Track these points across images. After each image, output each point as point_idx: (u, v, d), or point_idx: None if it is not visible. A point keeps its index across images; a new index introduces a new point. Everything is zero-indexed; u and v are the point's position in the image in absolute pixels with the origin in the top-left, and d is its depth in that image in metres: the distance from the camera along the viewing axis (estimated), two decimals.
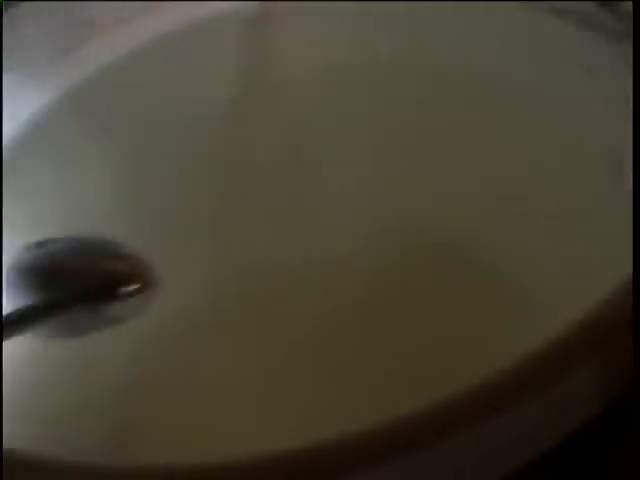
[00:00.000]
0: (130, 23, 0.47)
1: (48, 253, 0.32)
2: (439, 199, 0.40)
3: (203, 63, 0.47)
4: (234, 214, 0.43)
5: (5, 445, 0.24)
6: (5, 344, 0.28)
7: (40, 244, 0.33)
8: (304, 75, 0.46)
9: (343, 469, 0.20)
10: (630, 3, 0.33)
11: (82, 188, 0.44)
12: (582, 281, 0.29)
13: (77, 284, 0.29)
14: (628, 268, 0.23)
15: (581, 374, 0.21)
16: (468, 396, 0.20)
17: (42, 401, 0.35)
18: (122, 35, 0.46)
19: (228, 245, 0.42)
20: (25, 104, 0.45)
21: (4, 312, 0.32)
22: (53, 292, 0.30)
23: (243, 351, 0.37)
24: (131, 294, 0.28)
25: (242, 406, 0.35)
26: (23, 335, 0.29)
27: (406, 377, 0.34)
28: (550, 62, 0.37)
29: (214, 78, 0.47)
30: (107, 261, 0.29)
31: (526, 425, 0.21)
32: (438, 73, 0.41)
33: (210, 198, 0.43)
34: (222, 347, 0.37)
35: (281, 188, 0.43)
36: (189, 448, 0.33)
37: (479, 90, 0.39)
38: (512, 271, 0.35)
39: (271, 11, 0.48)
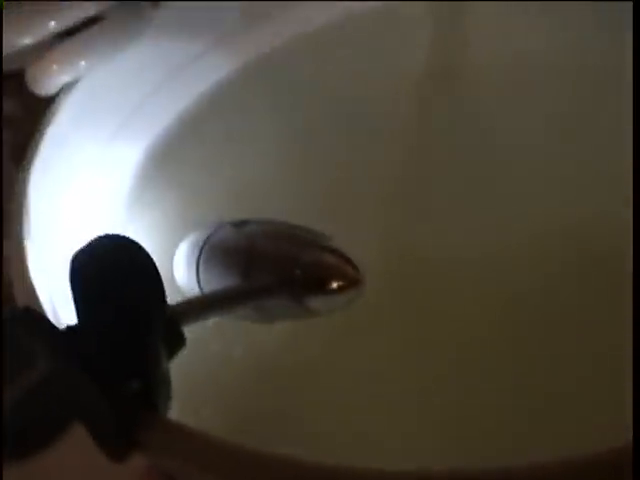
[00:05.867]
0: None
1: (246, 235, 0.32)
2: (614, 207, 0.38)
3: (388, 46, 0.47)
4: (407, 198, 0.42)
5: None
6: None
7: (237, 224, 0.33)
8: (492, 60, 0.45)
9: None
10: None
11: (255, 161, 0.44)
12: None
13: (284, 271, 0.29)
14: None
15: None
16: None
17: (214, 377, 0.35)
18: (316, 7, 0.46)
19: (398, 230, 0.41)
20: (212, 69, 0.46)
21: (200, 290, 0.32)
22: (257, 276, 0.30)
23: (403, 344, 0.37)
24: (340, 290, 0.28)
25: (401, 405, 0.34)
26: (224, 317, 0.30)
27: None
28: None
29: (397, 61, 0.47)
30: (313, 251, 0.29)
31: None
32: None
33: (383, 181, 0.43)
34: (382, 338, 0.37)
35: (461, 175, 0.42)
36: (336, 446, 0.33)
37: None
38: None
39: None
